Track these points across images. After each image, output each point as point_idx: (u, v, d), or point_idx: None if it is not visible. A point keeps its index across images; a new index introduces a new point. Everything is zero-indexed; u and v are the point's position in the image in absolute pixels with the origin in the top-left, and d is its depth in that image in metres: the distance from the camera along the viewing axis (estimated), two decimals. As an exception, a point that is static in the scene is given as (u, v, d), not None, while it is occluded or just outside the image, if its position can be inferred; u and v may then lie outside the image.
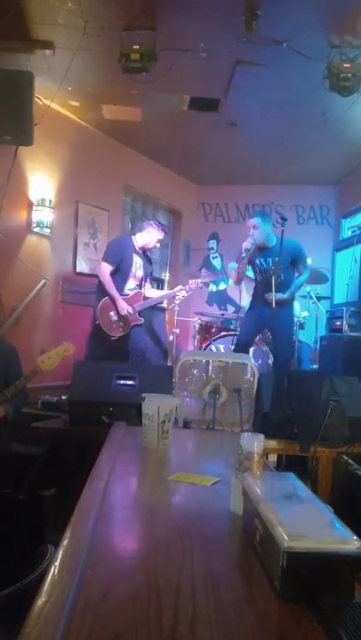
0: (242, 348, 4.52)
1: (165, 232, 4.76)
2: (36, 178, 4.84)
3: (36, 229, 4.84)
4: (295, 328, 5.29)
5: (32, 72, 3.90)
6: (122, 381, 2.80)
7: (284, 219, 4.09)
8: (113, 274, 4.50)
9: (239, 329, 4.77)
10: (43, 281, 4.79)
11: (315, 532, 0.86)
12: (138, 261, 4.64)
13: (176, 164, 6.59)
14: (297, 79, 4.19)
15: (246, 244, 4.33)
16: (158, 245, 4.74)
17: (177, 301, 5.16)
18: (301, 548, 0.81)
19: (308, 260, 4.71)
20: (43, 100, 4.61)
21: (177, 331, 5.84)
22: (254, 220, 4.38)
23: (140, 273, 4.67)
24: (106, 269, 4.49)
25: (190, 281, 4.93)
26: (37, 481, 2.93)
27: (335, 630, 0.72)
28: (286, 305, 4.42)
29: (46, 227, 4.88)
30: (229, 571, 0.94)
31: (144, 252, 4.72)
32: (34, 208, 4.82)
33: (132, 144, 5.96)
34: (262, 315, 4.42)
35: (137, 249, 4.62)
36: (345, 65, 3.66)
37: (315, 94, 4.25)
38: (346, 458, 2.53)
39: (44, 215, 4.84)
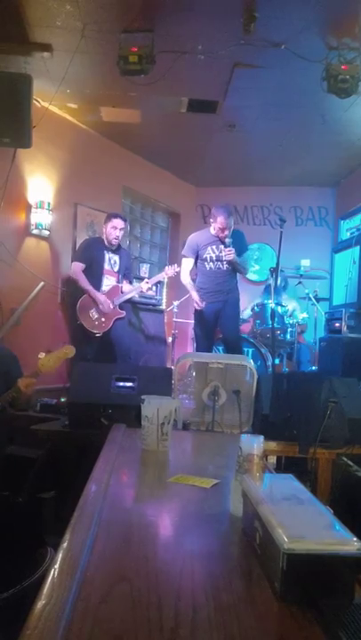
0: (206, 347, 4.54)
1: (119, 217, 4.79)
2: (34, 180, 4.84)
3: (34, 231, 4.84)
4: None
5: (30, 74, 3.90)
6: (121, 383, 2.80)
7: (282, 220, 4.10)
8: (87, 274, 4.66)
9: (195, 329, 4.77)
10: (41, 283, 4.79)
11: (315, 533, 0.86)
12: (112, 258, 4.82)
13: (175, 166, 6.60)
14: (295, 81, 4.20)
15: (234, 259, 4.39)
16: (117, 233, 4.74)
17: (165, 279, 5.21)
18: (301, 550, 0.81)
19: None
20: (41, 102, 4.61)
21: (176, 332, 5.85)
22: (231, 222, 4.38)
23: (115, 268, 4.83)
24: (77, 267, 4.69)
25: (167, 267, 5.00)
26: (37, 483, 2.92)
27: (336, 632, 0.72)
28: (236, 292, 4.61)
29: (45, 229, 4.88)
30: (229, 572, 0.94)
31: (118, 248, 4.86)
32: (32, 210, 4.82)
33: (131, 146, 5.97)
34: (212, 309, 4.47)
35: (107, 247, 4.79)
36: (343, 67, 3.67)
37: (313, 96, 4.26)
38: (345, 459, 2.54)
39: (42, 217, 4.84)
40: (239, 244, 4.53)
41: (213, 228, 4.43)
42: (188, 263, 4.62)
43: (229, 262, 4.41)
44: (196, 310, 4.60)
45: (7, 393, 2.67)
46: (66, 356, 2.73)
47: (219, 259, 4.45)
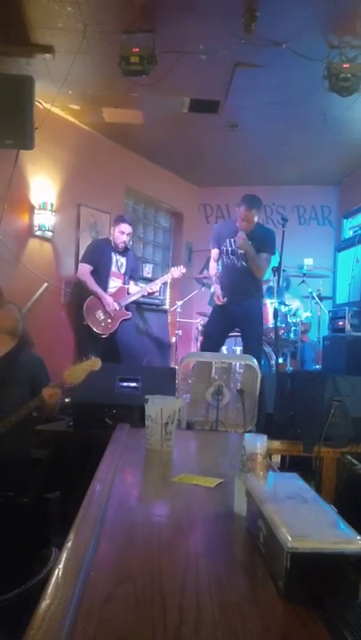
0: (212, 349, 4.25)
1: (127, 222, 4.79)
2: (37, 181, 4.86)
3: (38, 233, 4.85)
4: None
5: (32, 76, 3.91)
6: (125, 383, 2.80)
7: (284, 219, 4.08)
8: (94, 276, 4.68)
9: (206, 328, 4.52)
10: (45, 284, 4.80)
11: (319, 532, 0.86)
12: (119, 260, 4.84)
13: (177, 166, 6.60)
14: (297, 80, 4.20)
15: (243, 243, 4.07)
16: (125, 237, 4.77)
17: (170, 279, 5.09)
18: (305, 549, 0.81)
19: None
20: (43, 103, 4.62)
21: (179, 332, 5.85)
22: (252, 214, 4.10)
23: (122, 270, 4.85)
24: (84, 269, 4.71)
25: (172, 268, 4.97)
26: (42, 483, 2.93)
27: (339, 630, 0.72)
28: (255, 298, 4.31)
29: (48, 230, 4.89)
30: (233, 571, 0.94)
31: (125, 250, 4.88)
32: (36, 212, 4.83)
33: (133, 147, 5.97)
34: (230, 313, 4.23)
35: (115, 248, 4.80)
36: (344, 65, 3.66)
37: (315, 95, 4.25)
38: (350, 458, 2.53)
39: (45, 218, 4.85)
40: (263, 242, 4.16)
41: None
42: (212, 254, 4.40)
43: (243, 255, 4.10)
44: (213, 309, 4.40)
45: (32, 401, 2.66)
46: (92, 368, 2.67)
47: (234, 253, 4.19)
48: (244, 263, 4.19)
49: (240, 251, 4.14)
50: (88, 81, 4.44)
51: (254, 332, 4.29)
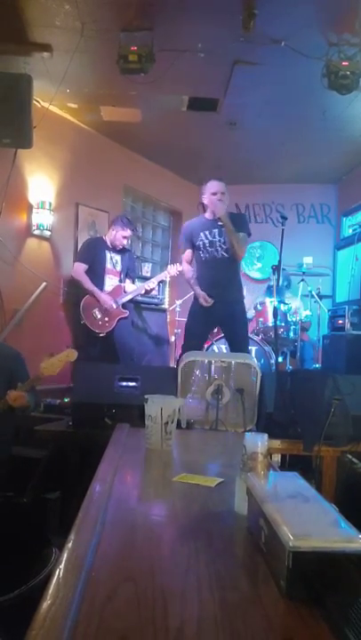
0: (194, 347, 4.00)
1: (131, 229, 4.82)
2: (35, 180, 4.85)
3: (36, 232, 4.84)
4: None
5: (30, 75, 3.90)
6: (124, 383, 2.80)
7: (284, 217, 4.06)
8: (90, 274, 4.67)
9: (188, 325, 4.25)
10: (44, 283, 4.80)
11: (320, 531, 0.86)
12: (114, 257, 4.83)
13: (176, 165, 6.59)
14: (296, 78, 4.19)
15: (224, 217, 3.85)
16: (125, 242, 4.79)
17: (167, 278, 5.00)
18: (307, 548, 0.81)
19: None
20: (41, 102, 4.61)
21: (178, 331, 5.85)
22: (224, 187, 4.02)
23: (118, 267, 4.84)
24: (79, 267, 4.70)
25: (169, 266, 4.90)
26: (41, 484, 2.93)
27: (342, 629, 0.72)
28: (237, 294, 4.13)
29: (47, 229, 4.89)
30: (235, 571, 0.94)
31: (121, 249, 4.87)
32: (34, 211, 4.82)
33: (132, 145, 5.97)
34: (214, 311, 4.02)
35: (109, 247, 4.79)
36: (343, 63, 3.66)
37: (314, 93, 4.25)
38: (350, 456, 2.53)
39: (44, 218, 4.84)
40: (237, 222, 3.99)
41: (206, 208, 4.03)
42: (185, 256, 4.22)
43: (224, 244, 3.93)
44: (193, 307, 4.19)
45: None
46: (68, 359, 2.73)
47: (213, 244, 3.96)
48: (225, 253, 3.99)
49: (219, 239, 3.95)
50: (86, 79, 4.44)
51: (241, 332, 4.14)
